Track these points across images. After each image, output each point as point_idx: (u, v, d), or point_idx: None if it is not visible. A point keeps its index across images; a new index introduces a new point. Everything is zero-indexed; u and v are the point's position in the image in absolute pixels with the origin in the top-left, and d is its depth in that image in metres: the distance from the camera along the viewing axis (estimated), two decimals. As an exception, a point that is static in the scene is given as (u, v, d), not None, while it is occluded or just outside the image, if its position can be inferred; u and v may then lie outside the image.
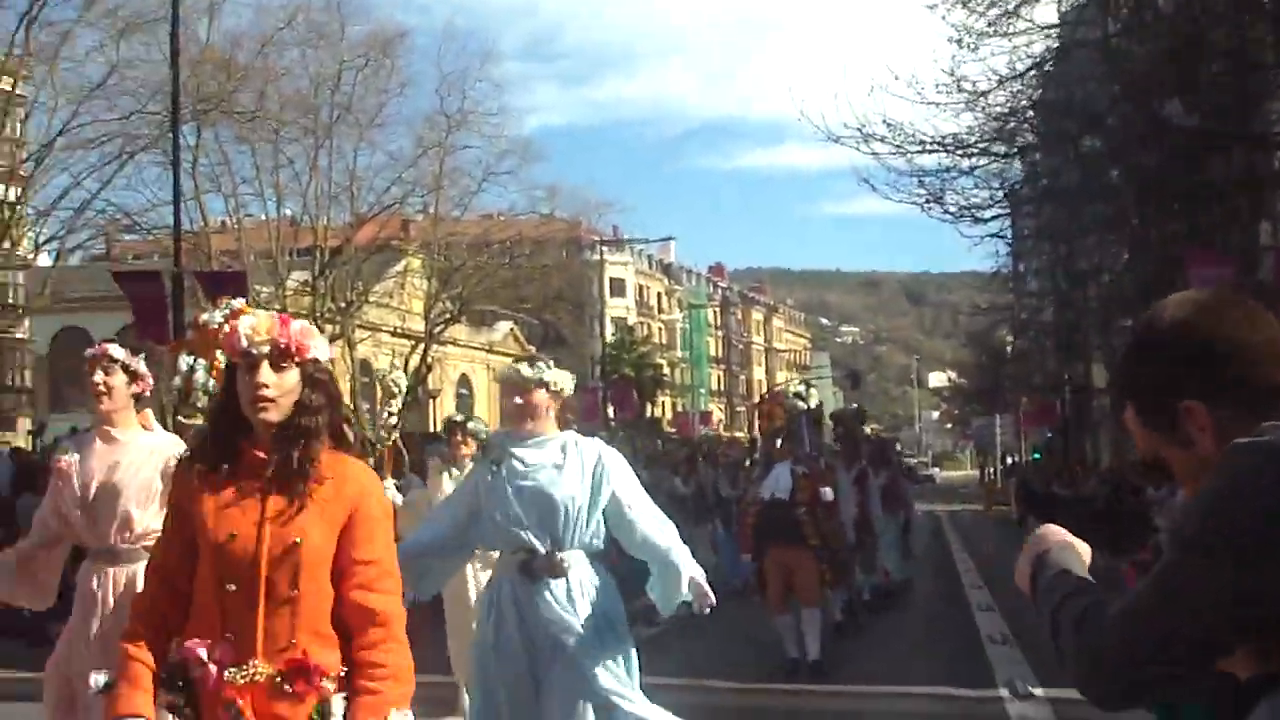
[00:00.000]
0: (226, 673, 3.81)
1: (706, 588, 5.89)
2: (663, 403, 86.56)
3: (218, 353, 7.29)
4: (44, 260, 42.74)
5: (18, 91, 38.60)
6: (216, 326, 7.19)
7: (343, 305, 46.72)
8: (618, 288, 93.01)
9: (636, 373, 74.27)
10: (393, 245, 52.43)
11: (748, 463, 18.99)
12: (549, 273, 58.17)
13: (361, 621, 3.89)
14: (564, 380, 6.04)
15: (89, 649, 6.32)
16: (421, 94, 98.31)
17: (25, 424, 48.05)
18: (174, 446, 6.34)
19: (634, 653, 5.92)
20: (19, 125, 39.76)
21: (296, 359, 3.98)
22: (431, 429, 55.29)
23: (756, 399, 47.87)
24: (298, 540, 3.85)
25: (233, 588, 3.85)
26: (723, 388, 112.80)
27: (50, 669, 6.50)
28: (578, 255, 67.84)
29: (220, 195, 45.89)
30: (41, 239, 40.42)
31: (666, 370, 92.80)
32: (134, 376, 6.57)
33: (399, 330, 55.96)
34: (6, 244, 37.56)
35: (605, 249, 64.21)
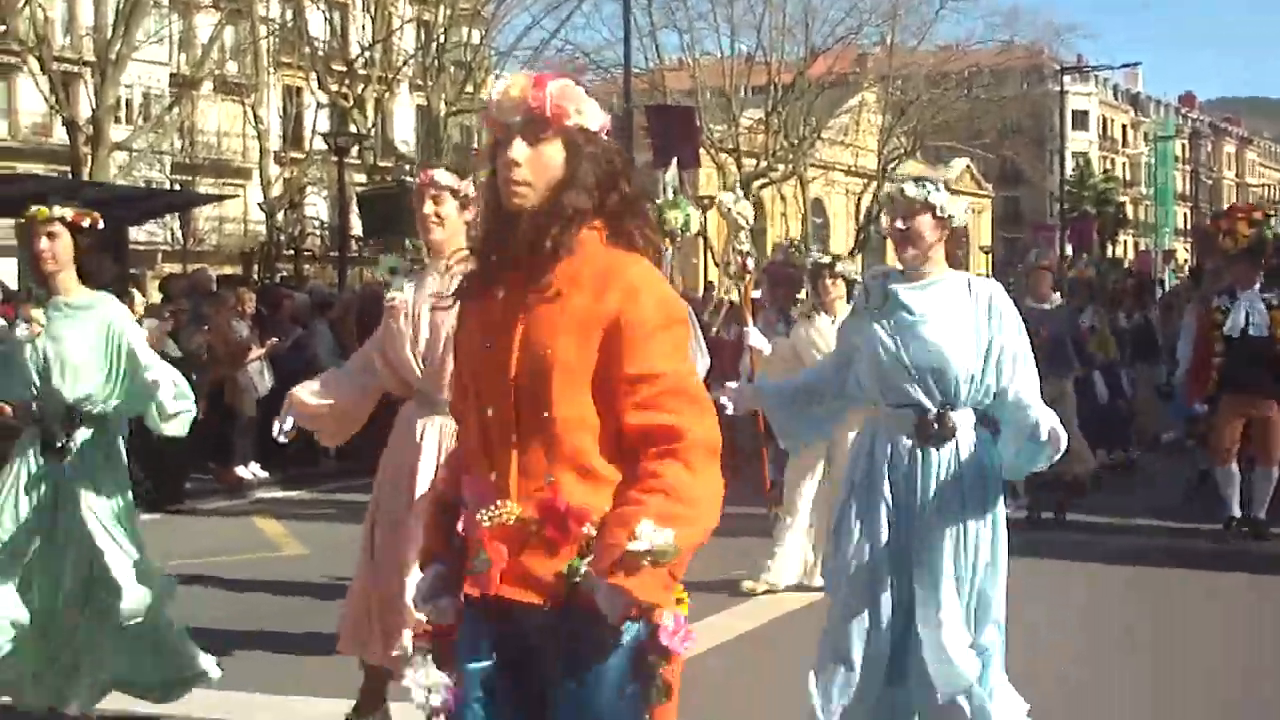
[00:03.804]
0: (478, 513, 3.26)
1: (1061, 434, 5.11)
2: (1124, 241, 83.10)
3: None
4: (507, 102, 43.90)
5: (482, -68, 39.55)
6: None
7: (795, 142, 46.41)
8: (1080, 120, 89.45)
9: (1097, 209, 71.56)
10: (847, 79, 51.65)
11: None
12: (1007, 105, 56.28)
13: (646, 443, 3.16)
14: (955, 208, 5.31)
15: (403, 494, 6.02)
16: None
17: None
18: None
19: (1001, 525, 5.28)
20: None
21: (555, 127, 3.23)
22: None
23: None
24: (543, 351, 3.19)
25: (490, 412, 3.28)
26: (1188, 225, 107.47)
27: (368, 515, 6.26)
28: (1038, 85, 65.47)
29: (675, 31, 46.18)
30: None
31: (1129, 207, 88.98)
32: (466, 203, 5.96)
33: (852, 169, 55.35)
34: (470, 87, 38.73)
35: (1068, 79, 61.43)
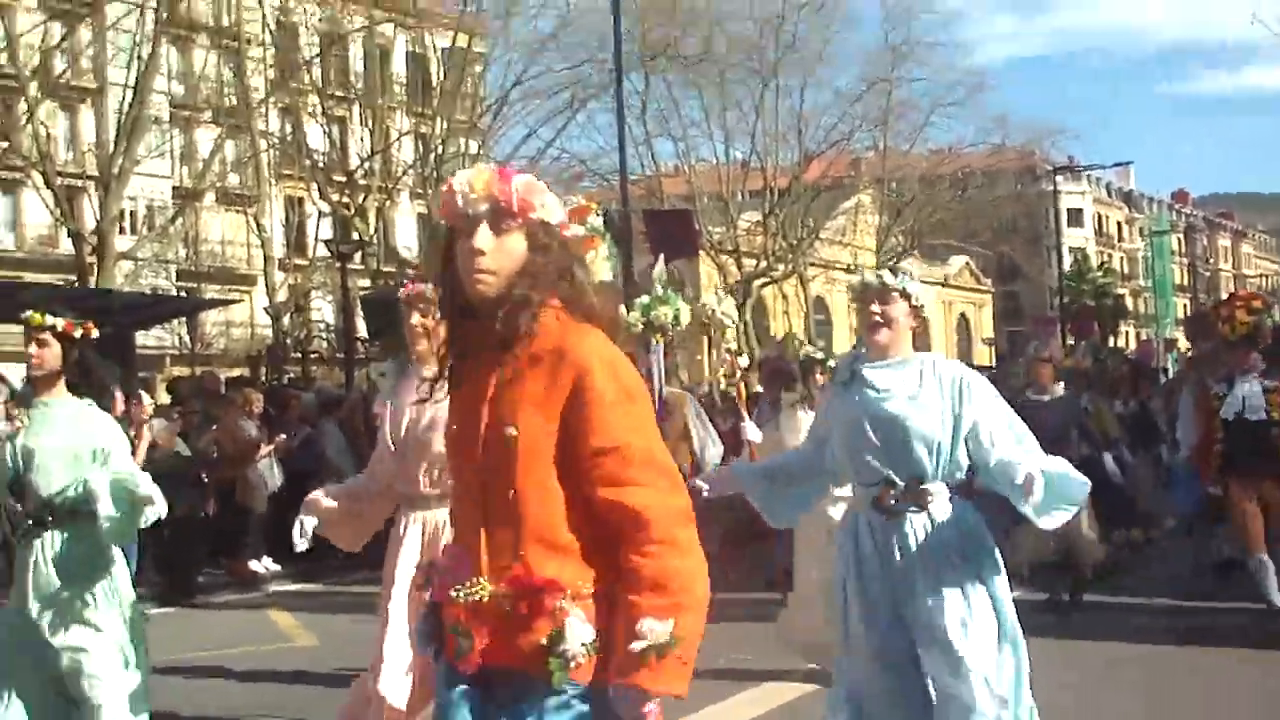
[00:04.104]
0: (452, 590, 3.33)
1: (1038, 481, 5.08)
2: (1125, 333, 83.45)
3: None
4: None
5: (475, 49, 40.08)
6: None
7: (793, 243, 46.83)
8: (1075, 218, 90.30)
9: (1096, 302, 71.98)
10: (842, 182, 52.25)
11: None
12: (1001, 204, 56.80)
13: (618, 523, 3.23)
14: (925, 298, 5.56)
15: (385, 591, 6.07)
16: (867, 28, 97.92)
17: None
18: None
19: (999, 585, 5.31)
20: (477, 82, 41.34)
21: (520, 219, 3.32)
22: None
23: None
24: (511, 432, 3.26)
25: (461, 491, 3.43)
26: (1188, 315, 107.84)
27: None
28: (1032, 185, 66.08)
29: (670, 139, 46.82)
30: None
31: (1129, 299, 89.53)
32: None
33: (851, 266, 55.73)
34: (469, 197, 39.12)
35: (1061, 179, 62.02)
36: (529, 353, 3.30)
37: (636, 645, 3.13)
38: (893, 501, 5.30)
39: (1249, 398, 10.95)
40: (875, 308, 5.42)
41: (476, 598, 3.29)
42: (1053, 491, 5.20)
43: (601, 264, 6.60)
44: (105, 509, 6.29)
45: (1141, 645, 10.40)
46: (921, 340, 5.55)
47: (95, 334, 6.62)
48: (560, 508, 3.28)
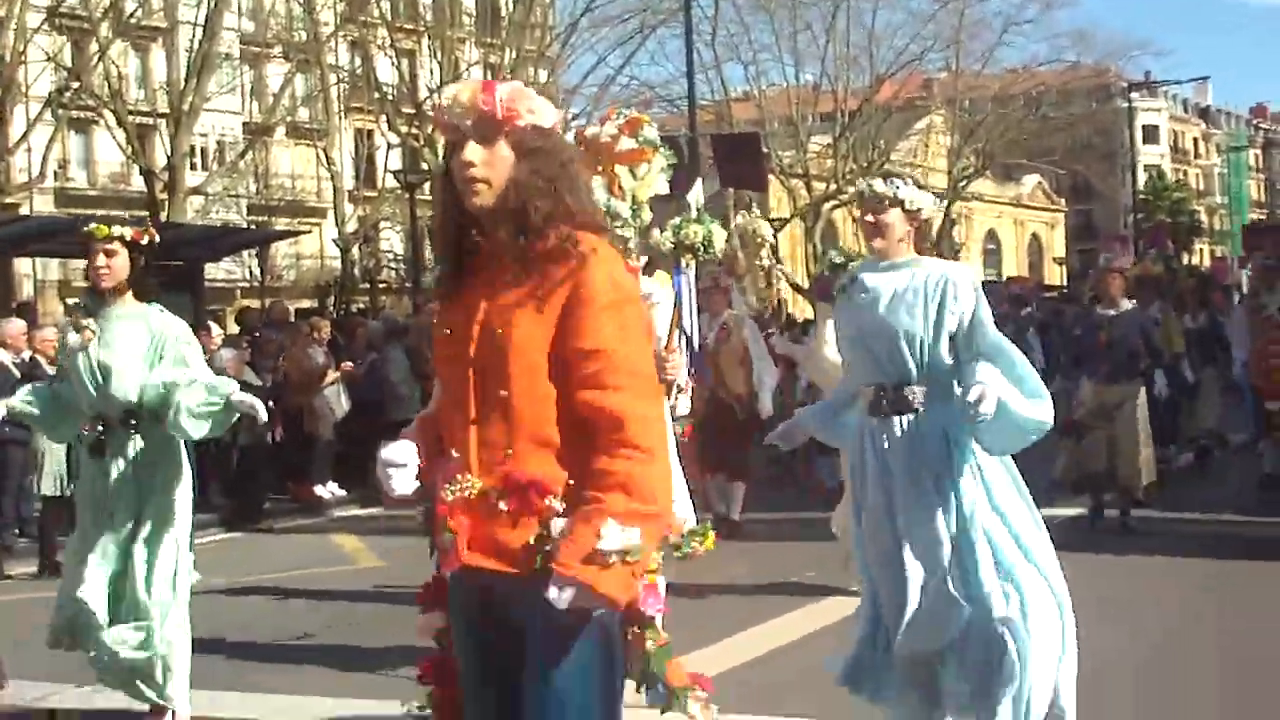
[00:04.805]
0: (443, 490, 3.33)
1: (989, 401, 4.99)
2: (1200, 250, 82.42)
3: (616, 168, 6.48)
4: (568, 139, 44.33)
5: (545, -27, 40.16)
6: (609, 140, 6.37)
7: (864, 166, 46.53)
8: (1150, 135, 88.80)
9: (1171, 220, 71.25)
10: (915, 104, 51.79)
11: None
12: (1076, 122, 56.06)
13: (594, 425, 3.24)
14: (923, 201, 5.52)
15: None
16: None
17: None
18: None
19: (967, 490, 5.27)
20: (546, 10, 41.33)
21: (507, 128, 3.34)
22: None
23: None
24: (499, 330, 3.28)
25: (451, 395, 3.41)
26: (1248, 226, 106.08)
27: None
28: (1107, 103, 65.17)
29: (740, 64, 46.57)
30: (569, 117, 42.14)
31: (1204, 216, 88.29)
32: None
33: (922, 188, 55.34)
34: (537, 124, 39.23)
35: (1136, 95, 61.13)
36: (527, 258, 3.31)
37: (604, 545, 3.10)
38: (883, 404, 5.40)
39: None
40: (870, 216, 5.51)
41: (466, 493, 3.30)
42: (1006, 420, 5.14)
43: (656, 176, 6.52)
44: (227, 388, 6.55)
45: (1181, 559, 10.37)
46: (920, 243, 5.56)
47: (157, 239, 6.76)
48: (550, 407, 3.29)
